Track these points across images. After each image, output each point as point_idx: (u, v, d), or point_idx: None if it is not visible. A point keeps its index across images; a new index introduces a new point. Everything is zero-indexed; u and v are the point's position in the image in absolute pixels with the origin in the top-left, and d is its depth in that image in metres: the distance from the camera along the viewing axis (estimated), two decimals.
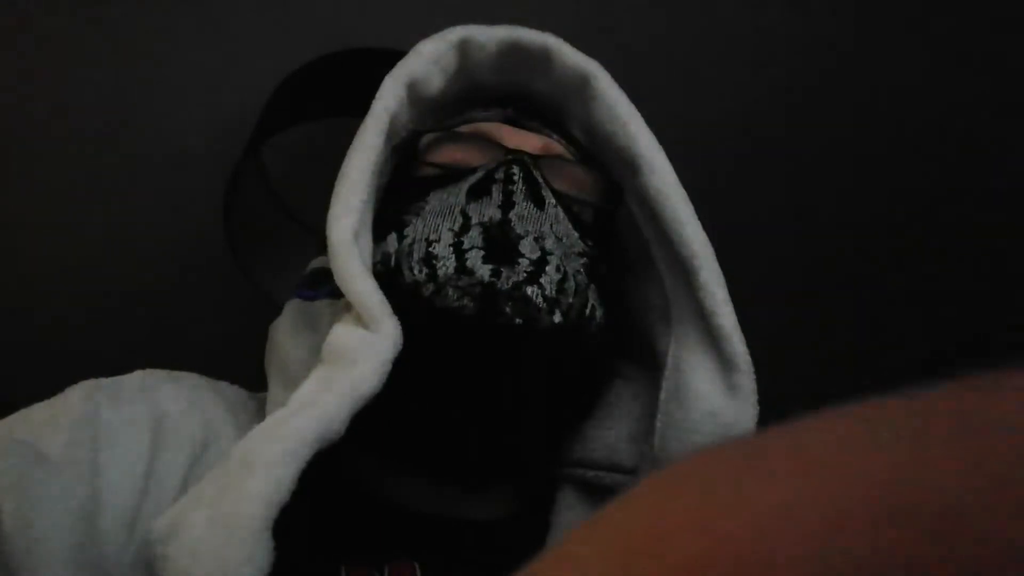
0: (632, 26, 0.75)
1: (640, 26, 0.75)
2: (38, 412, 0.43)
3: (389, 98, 0.50)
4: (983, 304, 0.86)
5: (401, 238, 0.48)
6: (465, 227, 0.46)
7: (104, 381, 0.46)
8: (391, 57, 0.53)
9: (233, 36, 0.70)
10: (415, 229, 0.48)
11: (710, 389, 0.48)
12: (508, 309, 0.44)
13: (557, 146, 0.54)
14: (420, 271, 0.45)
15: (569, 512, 0.52)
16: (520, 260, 0.45)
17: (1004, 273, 0.85)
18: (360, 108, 0.51)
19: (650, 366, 0.54)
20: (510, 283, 0.44)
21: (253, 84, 0.68)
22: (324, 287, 0.51)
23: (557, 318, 0.45)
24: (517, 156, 0.49)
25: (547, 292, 0.45)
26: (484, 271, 0.44)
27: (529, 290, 0.44)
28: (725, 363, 0.48)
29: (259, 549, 0.35)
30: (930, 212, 0.85)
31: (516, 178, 0.48)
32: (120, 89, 0.69)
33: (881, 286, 0.87)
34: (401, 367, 0.42)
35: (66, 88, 0.69)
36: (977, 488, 0.14)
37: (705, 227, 0.50)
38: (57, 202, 0.71)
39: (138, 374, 0.48)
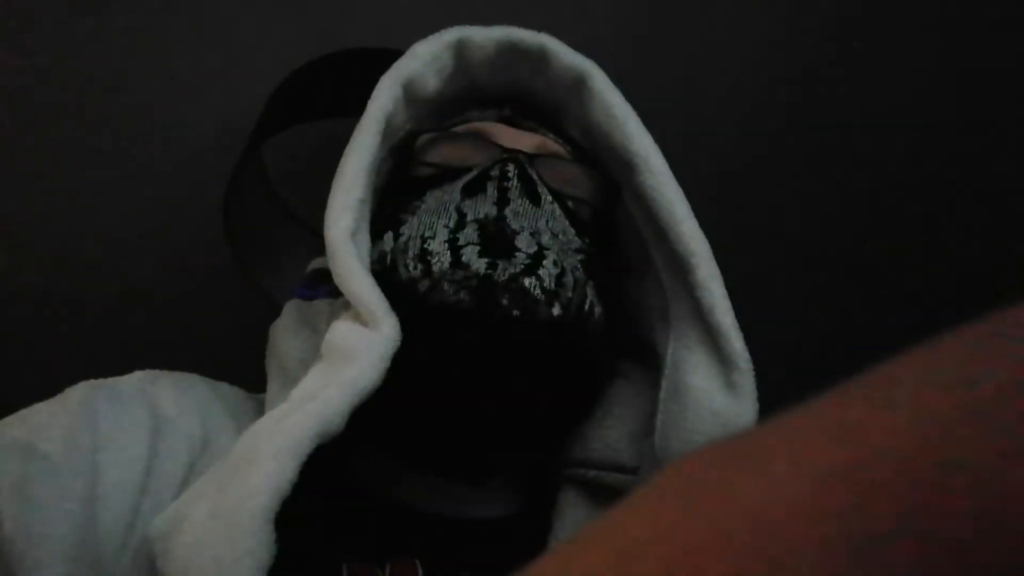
0: (628, 26, 0.75)
1: (636, 26, 0.75)
2: (37, 412, 0.43)
3: (385, 98, 0.50)
4: (984, 305, 0.86)
5: (397, 236, 0.48)
6: (460, 224, 0.46)
7: (103, 382, 0.46)
8: (390, 57, 0.53)
9: (233, 36, 0.70)
10: (411, 227, 0.48)
11: (709, 387, 0.48)
12: (505, 301, 0.44)
13: (553, 145, 0.54)
14: (415, 267, 0.45)
15: (571, 511, 0.52)
16: (517, 254, 0.45)
17: (1006, 275, 0.85)
18: (359, 108, 0.51)
19: (650, 365, 0.54)
20: (507, 275, 0.44)
21: (253, 84, 0.68)
22: (323, 287, 0.52)
23: (556, 311, 0.45)
24: (512, 154, 0.50)
25: (545, 284, 0.45)
26: (480, 264, 0.44)
27: (527, 281, 0.44)
28: (724, 361, 0.48)
29: (260, 542, 0.35)
30: (932, 212, 0.85)
31: (511, 175, 0.49)
32: (119, 89, 0.69)
33: (882, 284, 0.87)
34: (400, 364, 0.42)
35: (66, 89, 0.69)
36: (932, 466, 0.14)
37: (703, 226, 0.51)
38: (57, 202, 0.71)
39: (137, 375, 0.48)
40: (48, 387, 0.45)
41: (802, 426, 0.17)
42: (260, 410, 0.49)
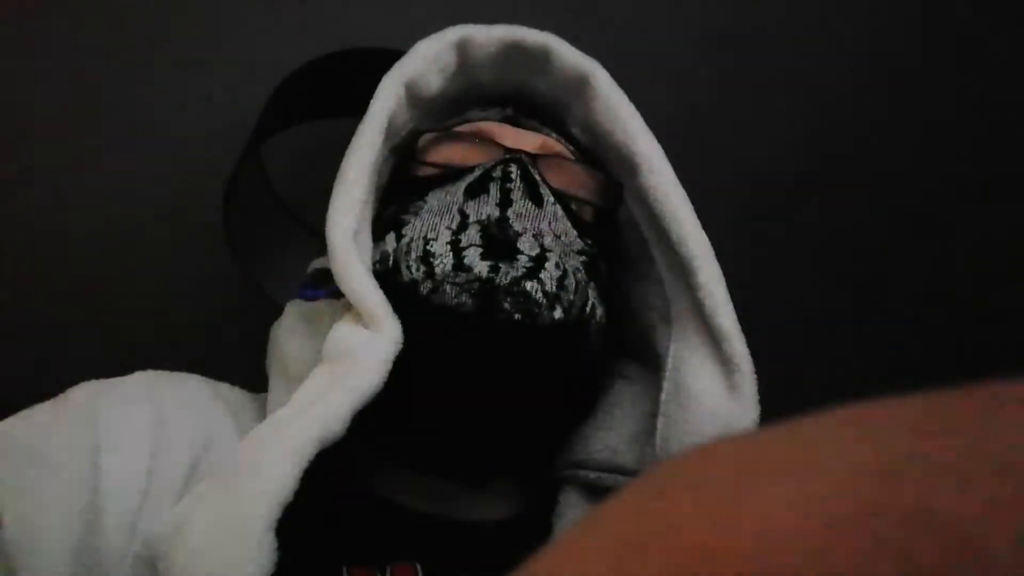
0: (632, 25, 0.75)
1: (639, 25, 0.75)
2: (39, 414, 0.43)
3: (387, 98, 0.50)
4: (984, 306, 0.86)
5: (399, 237, 0.48)
6: (463, 225, 0.46)
7: (105, 382, 0.46)
8: (391, 57, 0.53)
9: (233, 36, 0.70)
10: (413, 228, 0.48)
11: (710, 390, 0.48)
12: (507, 305, 0.44)
13: (556, 145, 0.54)
14: (418, 269, 0.45)
15: (572, 513, 0.51)
16: (519, 256, 0.45)
17: (1005, 275, 0.85)
18: (360, 108, 0.51)
19: (652, 367, 0.54)
20: (509, 278, 0.44)
21: (253, 84, 0.68)
22: (325, 287, 0.52)
23: (558, 314, 0.45)
24: (515, 155, 0.50)
25: (547, 288, 0.45)
26: (482, 267, 0.44)
27: (528, 285, 0.44)
28: (725, 363, 0.48)
29: (262, 549, 0.35)
30: (931, 212, 0.85)
31: (514, 176, 0.48)
32: (120, 89, 0.69)
33: (884, 288, 0.87)
34: (402, 366, 0.42)
35: (66, 88, 0.69)
36: (968, 489, 0.14)
37: (706, 227, 0.50)
38: (57, 202, 0.71)
39: (139, 375, 0.48)
40: (49, 387, 0.45)
41: (820, 440, 0.17)
42: (262, 411, 0.49)
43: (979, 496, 0.13)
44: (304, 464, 0.38)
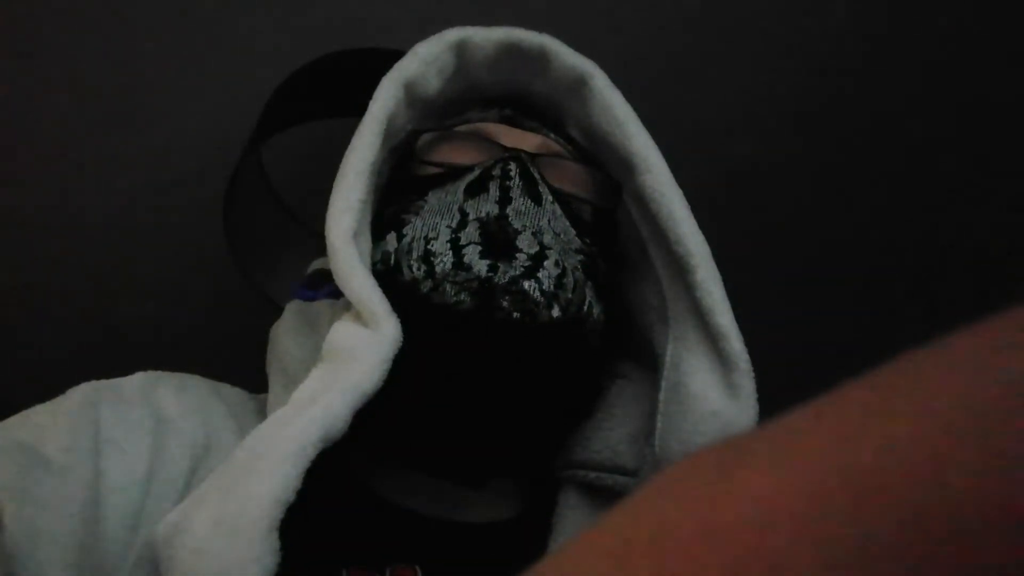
0: (629, 26, 0.75)
1: (637, 26, 0.75)
2: (39, 414, 0.43)
3: (386, 99, 0.50)
4: (983, 305, 0.86)
5: (400, 237, 0.48)
6: (462, 224, 0.46)
7: (105, 383, 0.46)
8: (391, 57, 0.53)
9: (234, 36, 0.70)
10: (414, 228, 0.48)
11: (709, 389, 0.48)
12: (505, 303, 0.44)
13: (555, 145, 0.54)
14: (419, 268, 0.45)
15: (571, 514, 0.51)
16: (518, 255, 0.45)
17: (1006, 276, 0.85)
18: (360, 108, 0.51)
19: (651, 367, 0.54)
20: (507, 277, 0.44)
21: (253, 84, 0.68)
22: (324, 288, 0.52)
23: (555, 312, 0.45)
24: (514, 153, 0.50)
25: (545, 287, 0.45)
26: (481, 266, 0.44)
27: (527, 284, 0.44)
28: (724, 362, 0.48)
29: (265, 550, 0.35)
30: (931, 212, 0.85)
31: (513, 174, 0.49)
32: (120, 90, 0.69)
33: (883, 285, 0.87)
34: (401, 365, 0.42)
35: (67, 88, 0.69)
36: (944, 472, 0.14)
37: (703, 227, 0.50)
38: (57, 202, 0.71)
39: (139, 376, 0.48)
40: (49, 388, 0.45)
41: (801, 428, 0.17)
42: (262, 411, 0.49)
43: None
44: (306, 464, 0.37)
